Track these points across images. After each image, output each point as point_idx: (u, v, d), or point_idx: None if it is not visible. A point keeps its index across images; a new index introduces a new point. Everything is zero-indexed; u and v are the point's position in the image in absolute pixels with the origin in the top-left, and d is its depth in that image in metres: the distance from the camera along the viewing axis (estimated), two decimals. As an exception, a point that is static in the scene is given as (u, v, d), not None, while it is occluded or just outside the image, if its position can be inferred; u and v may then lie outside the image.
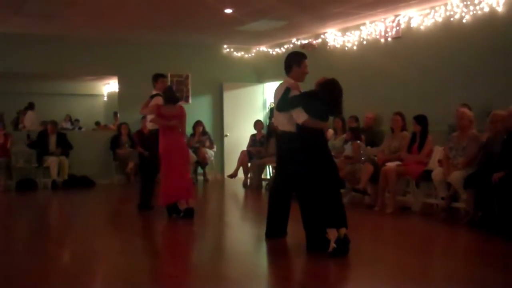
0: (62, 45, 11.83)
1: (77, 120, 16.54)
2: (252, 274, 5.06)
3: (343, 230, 5.34)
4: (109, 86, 16.80)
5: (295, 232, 6.01)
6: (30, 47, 11.56)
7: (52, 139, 11.55)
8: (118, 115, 13.08)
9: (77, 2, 8.94)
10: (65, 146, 11.58)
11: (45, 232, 7.30)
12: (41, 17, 9.95)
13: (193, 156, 11.97)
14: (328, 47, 11.28)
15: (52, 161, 11.23)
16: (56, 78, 14.96)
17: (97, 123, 15.68)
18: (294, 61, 5.90)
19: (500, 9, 8.14)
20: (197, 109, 12.84)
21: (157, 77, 8.37)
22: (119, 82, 12.82)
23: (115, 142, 12.19)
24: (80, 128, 15.56)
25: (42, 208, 9.73)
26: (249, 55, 13.70)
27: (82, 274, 5.04)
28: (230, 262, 5.62)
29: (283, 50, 12.57)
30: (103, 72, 13.33)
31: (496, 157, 6.75)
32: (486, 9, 8.33)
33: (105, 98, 17.58)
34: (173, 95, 7.98)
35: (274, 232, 6.16)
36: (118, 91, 12.90)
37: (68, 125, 15.76)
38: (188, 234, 7.13)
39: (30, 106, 14.31)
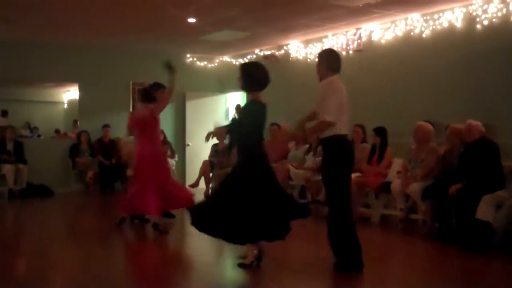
0: (21, 50, 11.58)
1: (36, 128, 16.24)
2: (212, 284, 5.03)
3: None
4: (70, 93, 16.55)
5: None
6: (-12, 53, 11.31)
7: (9, 146, 11.27)
8: (78, 123, 12.89)
9: (37, 7, 8.78)
10: (19, 155, 11.28)
11: (0, 242, 7.12)
12: (0, 21, 9.73)
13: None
14: (290, 59, 11.35)
15: (8, 169, 10.93)
16: (15, 84, 14.57)
17: (57, 131, 15.43)
18: None
19: (458, 24, 8.33)
20: (159, 118, 12.70)
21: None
22: (79, 90, 12.62)
23: (74, 150, 12.00)
24: (39, 135, 15.27)
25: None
26: (212, 65, 13.69)
27: (38, 285, 4.93)
28: (190, 272, 5.58)
29: (246, 60, 12.61)
30: (64, 79, 13.09)
31: (453, 169, 6.89)
32: (445, 24, 8.51)
33: (65, 106, 17.31)
34: (147, 94, 7.91)
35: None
36: (79, 99, 12.70)
37: (27, 132, 15.45)
38: (148, 243, 7.05)
39: (2, 113, 14.16)
